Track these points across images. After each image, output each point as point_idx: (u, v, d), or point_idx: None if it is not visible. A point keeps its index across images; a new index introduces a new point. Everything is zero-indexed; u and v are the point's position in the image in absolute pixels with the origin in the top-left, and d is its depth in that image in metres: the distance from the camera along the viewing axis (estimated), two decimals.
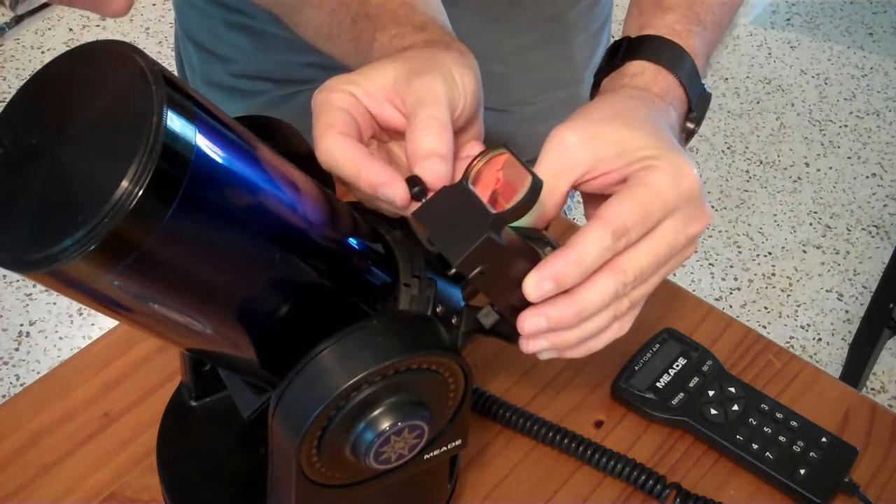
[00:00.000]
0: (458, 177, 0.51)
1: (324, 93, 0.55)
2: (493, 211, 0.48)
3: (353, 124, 0.54)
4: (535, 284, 0.50)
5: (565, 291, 0.51)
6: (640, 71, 0.62)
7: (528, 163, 0.49)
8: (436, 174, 0.52)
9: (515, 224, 0.50)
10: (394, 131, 0.57)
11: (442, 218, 0.49)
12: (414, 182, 0.51)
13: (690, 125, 0.64)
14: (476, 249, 0.47)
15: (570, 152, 0.54)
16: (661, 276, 0.54)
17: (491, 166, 0.50)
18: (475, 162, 0.49)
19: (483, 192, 0.49)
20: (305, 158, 0.55)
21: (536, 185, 0.47)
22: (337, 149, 0.53)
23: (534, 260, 0.51)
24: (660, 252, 0.53)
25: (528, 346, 0.54)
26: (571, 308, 0.51)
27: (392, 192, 0.51)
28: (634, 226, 0.51)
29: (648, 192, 0.52)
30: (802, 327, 1.96)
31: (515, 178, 0.48)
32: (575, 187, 0.55)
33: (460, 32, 0.64)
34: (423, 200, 0.51)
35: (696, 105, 0.64)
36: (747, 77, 2.55)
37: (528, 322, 0.52)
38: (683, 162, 0.53)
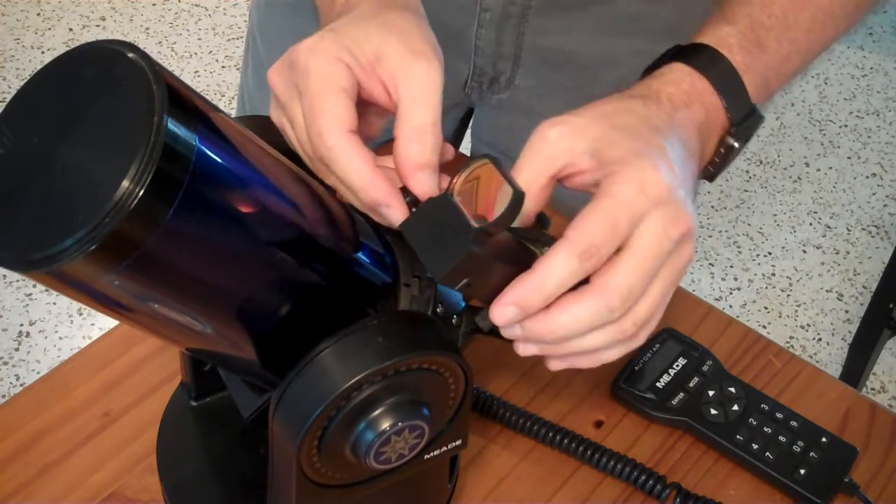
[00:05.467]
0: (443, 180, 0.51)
1: (321, 59, 0.52)
2: (475, 225, 0.47)
3: (355, 114, 0.52)
4: (498, 312, 0.50)
5: (547, 306, 0.50)
6: (669, 71, 0.59)
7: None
8: (426, 187, 0.51)
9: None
10: (371, 104, 0.55)
11: (426, 231, 0.49)
12: (407, 192, 0.51)
13: (731, 140, 0.61)
14: (458, 265, 0.47)
15: (549, 145, 0.52)
16: (663, 288, 0.52)
17: (482, 176, 0.49)
18: (458, 176, 0.49)
19: (478, 202, 0.49)
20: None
21: (518, 198, 0.46)
22: (344, 153, 0.51)
23: (527, 264, 0.51)
24: (646, 265, 0.51)
25: (518, 349, 0.53)
26: (547, 325, 0.50)
27: (392, 214, 0.50)
28: (603, 243, 0.50)
29: (612, 203, 0.50)
30: (802, 327, 1.96)
31: (500, 188, 0.48)
32: (559, 181, 0.54)
33: None
34: (412, 211, 0.51)
35: (740, 121, 0.61)
36: None
37: (501, 320, 0.51)
38: (649, 165, 0.51)
